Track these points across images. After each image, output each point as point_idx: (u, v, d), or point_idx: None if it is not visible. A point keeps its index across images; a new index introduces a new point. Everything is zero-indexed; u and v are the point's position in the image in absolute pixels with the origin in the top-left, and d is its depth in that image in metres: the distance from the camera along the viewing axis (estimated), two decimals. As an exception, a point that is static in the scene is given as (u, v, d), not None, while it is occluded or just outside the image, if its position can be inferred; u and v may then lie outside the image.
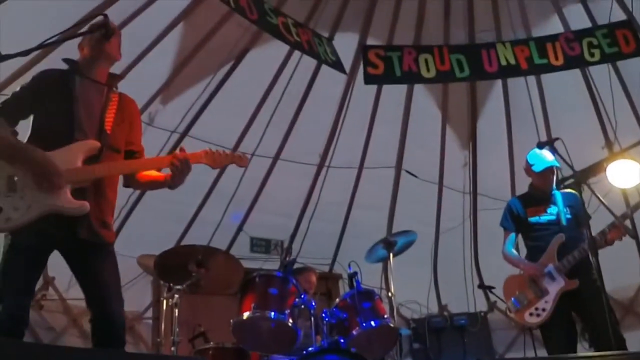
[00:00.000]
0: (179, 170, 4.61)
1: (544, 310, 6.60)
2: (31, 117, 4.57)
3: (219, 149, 4.91)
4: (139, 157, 4.89)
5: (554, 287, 6.59)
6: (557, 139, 6.21)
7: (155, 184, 4.91)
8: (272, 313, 5.62)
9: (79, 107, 4.59)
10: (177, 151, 4.77)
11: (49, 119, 4.53)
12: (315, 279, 8.11)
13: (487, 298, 11.23)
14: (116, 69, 5.05)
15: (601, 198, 5.79)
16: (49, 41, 4.35)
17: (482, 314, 10.55)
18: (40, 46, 4.37)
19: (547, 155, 6.89)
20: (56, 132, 4.48)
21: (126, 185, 4.90)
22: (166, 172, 4.79)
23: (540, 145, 6.34)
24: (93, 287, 4.44)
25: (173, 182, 4.71)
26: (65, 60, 4.88)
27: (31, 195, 4.26)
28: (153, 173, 4.86)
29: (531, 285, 6.73)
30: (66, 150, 4.41)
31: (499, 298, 8.05)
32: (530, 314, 6.68)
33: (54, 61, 5.28)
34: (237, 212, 11.16)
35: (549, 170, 6.96)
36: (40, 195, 4.26)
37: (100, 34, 4.76)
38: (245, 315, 5.67)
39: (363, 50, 9.84)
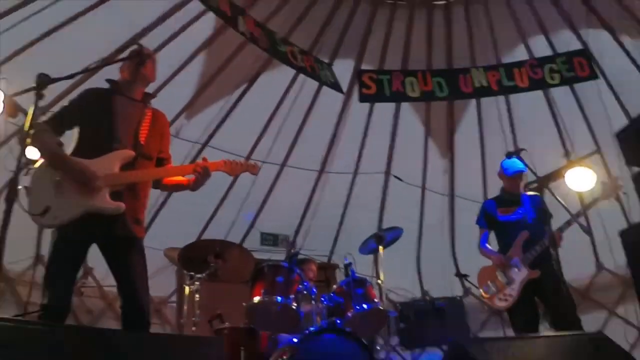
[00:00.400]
0: (201, 176, 4.68)
1: (510, 295, 6.56)
2: (76, 129, 4.56)
3: (236, 159, 4.95)
4: (167, 163, 4.89)
5: (519, 276, 6.56)
6: (522, 149, 6.21)
7: (179, 187, 4.94)
8: (279, 298, 5.63)
9: (118, 121, 4.58)
10: (200, 160, 4.79)
11: (92, 131, 4.52)
12: (316, 269, 8.02)
13: (463, 285, 11.14)
14: (150, 88, 5.05)
15: (560, 199, 5.79)
16: (92, 66, 4.35)
17: (459, 298, 10.49)
18: (84, 71, 4.36)
19: (517, 163, 6.74)
20: (97, 142, 4.47)
21: (155, 187, 4.88)
22: (189, 176, 4.82)
23: (509, 155, 6.31)
24: (124, 277, 4.43)
25: (195, 186, 4.78)
26: (108, 81, 4.88)
27: (75, 197, 4.26)
28: (178, 177, 4.88)
29: (500, 274, 6.71)
30: (105, 158, 4.41)
31: (472, 284, 8.10)
32: (499, 299, 6.66)
33: (96, 83, 5.27)
34: (248, 212, 11.14)
35: (518, 175, 6.91)
36: (82, 198, 4.27)
37: (137, 60, 4.78)
38: (256, 299, 5.69)
39: (358, 74, 9.90)
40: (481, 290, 6.93)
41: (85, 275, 9.57)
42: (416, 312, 9.72)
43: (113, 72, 5.00)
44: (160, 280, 9.51)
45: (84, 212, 4.26)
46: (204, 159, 4.77)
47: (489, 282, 6.83)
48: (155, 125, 4.81)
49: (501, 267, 6.72)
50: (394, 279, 9.17)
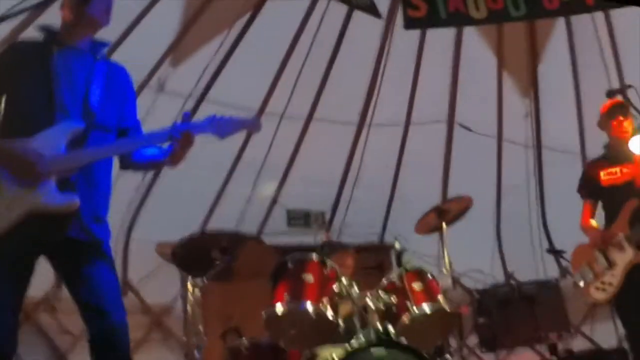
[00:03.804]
0: (180, 145, 4.45)
1: (610, 284, 6.50)
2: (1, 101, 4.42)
3: (238, 114, 4.79)
4: (135, 133, 4.74)
5: (623, 259, 6.45)
6: (629, 86, 6.09)
7: (154, 164, 4.84)
8: (309, 303, 5.50)
9: (59, 82, 4.40)
10: (178, 121, 4.58)
11: (24, 101, 4.38)
12: (352, 261, 7.75)
13: (559, 264, 11.09)
14: (115, 30, 4.90)
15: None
16: (15, 9, 4.20)
17: (554, 281, 10.38)
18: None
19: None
20: (33, 115, 4.33)
21: (123, 167, 4.75)
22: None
23: (611, 94, 6.19)
24: (87, 297, 4.30)
25: (173, 158, 4.58)
26: (42, 29, 4.69)
27: (11, 195, 4.14)
28: (151, 150, 4.70)
29: (599, 256, 6.63)
30: (46, 135, 4.24)
31: (570, 263, 7.97)
32: (597, 288, 6.62)
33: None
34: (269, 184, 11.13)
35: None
36: (20, 193, 4.13)
37: None
38: (278, 307, 5.56)
39: None
40: (575, 278, 6.93)
41: (57, 284, 9.33)
42: (499, 301, 9.66)
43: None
44: (159, 283, 9.71)
45: (25, 213, 4.10)
46: (184, 118, 4.58)
47: (583, 267, 6.79)
48: (111, 84, 4.64)
49: (600, 246, 6.64)
50: (468, 258, 9.16)
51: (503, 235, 12.18)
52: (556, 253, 9.59)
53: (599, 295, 6.60)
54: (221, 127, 4.54)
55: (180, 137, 4.42)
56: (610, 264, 6.51)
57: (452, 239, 7.98)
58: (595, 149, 7.67)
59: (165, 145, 4.60)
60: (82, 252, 4.31)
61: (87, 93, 4.48)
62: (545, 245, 11.07)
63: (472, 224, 8.67)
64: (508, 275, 11.72)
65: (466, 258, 9.23)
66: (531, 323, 9.31)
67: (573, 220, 7.10)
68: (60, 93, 4.38)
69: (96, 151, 4.42)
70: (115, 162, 4.76)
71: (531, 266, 10.84)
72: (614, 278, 6.47)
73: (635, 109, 6.15)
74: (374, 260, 10.75)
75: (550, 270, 10.88)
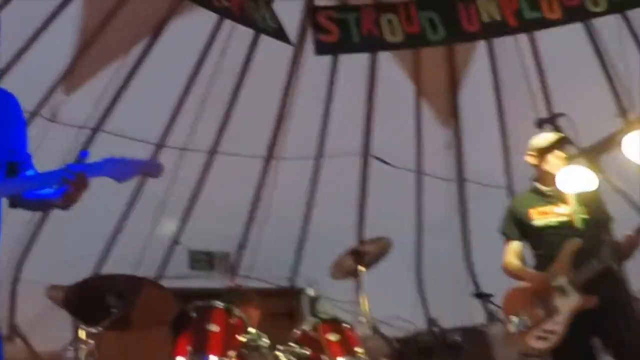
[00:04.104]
0: (74, 187, 4.21)
1: (552, 332, 6.36)
2: None
3: (127, 156, 4.61)
4: (25, 169, 4.55)
5: (567, 305, 6.34)
6: (561, 114, 6.05)
7: (46, 204, 4.62)
8: (214, 357, 5.52)
9: None
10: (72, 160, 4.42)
11: None
12: (258, 314, 7.60)
13: (485, 308, 11.12)
14: (4, 54, 4.78)
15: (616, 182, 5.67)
16: None
17: (481, 327, 10.44)
18: None
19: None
20: None
21: (12, 206, 4.52)
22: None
23: (540, 123, 6.23)
24: None
25: (66, 201, 4.33)
26: None
27: None
28: (44, 190, 4.48)
29: (538, 301, 6.50)
30: None
31: (499, 307, 7.88)
32: (538, 338, 6.45)
33: None
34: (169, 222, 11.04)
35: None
36: None
37: None
38: None
39: (312, 13, 9.77)
40: (509, 326, 6.72)
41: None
42: (421, 350, 9.67)
43: None
44: (51, 327, 9.44)
45: None
46: (78, 159, 4.37)
47: (520, 313, 6.62)
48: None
49: (539, 290, 6.53)
50: (387, 305, 9.11)
51: (424, 277, 12.14)
52: (483, 297, 9.52)
53: (540, 345, 6.42)
54: (119, 170, 4.36)
55: (75, 179, 4.21)
56: (552, 311, 6.40)
57: (370, 282, 7.86)
58: (522, 182, 7.70)
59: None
60: None
61: None
62: (471, 288, 11.03)
63: (390, 265, 8.50)
64: (431, 322, 11.55)
65: (385, 303, 9.15)
66: None
67: (500, 261, 6.97)
68: None
69: None
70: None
71: (456, 311, 10.75)
72: (557, 326, 6.32)
73: (569, 138, 6.01)
74: (284, 306, 10.74)
75: (476, 315, 10.64)
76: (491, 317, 10.62)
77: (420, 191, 11.90)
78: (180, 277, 10.51)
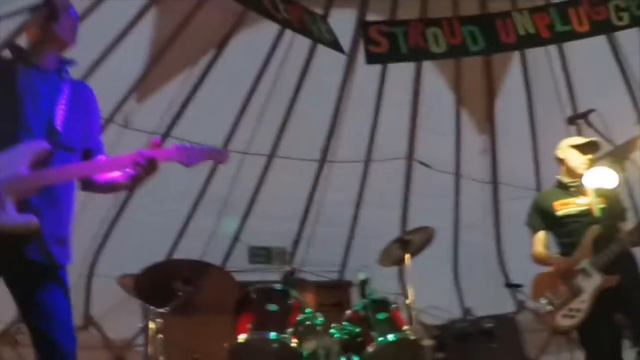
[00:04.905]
0: (144, 170, 4.13)
1: (578, 310, 6.29)
2: None
3: (194, 145, 4.39)
4: (98, 155, 4.44)
5: (590, 285, 6.27)
6: (592, 110, 6.08)
7: (116, 186, 4.45)
8: (273, 333, 5.39)
9: (23, 101, 4.11)
10: (145, 148, 4.23)
11: None
12: (313, 297, 7.59)
13: (515, 298, 10.93)
14: (81, 65, 4.60)
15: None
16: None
17: (511, 315, 10.31)
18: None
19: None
20: None
21: (84, 188, 4.42)
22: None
23: (572, 120, 6.08)
24: (38, 323, 3.98)
25: (134, 182, 4.27)
26: (8, 46, 4.46)
27: None
28: (114, 173, 4.38)
29: (564, 283, 6.43)
30: (7, 155, 3.94)
31: (529, 297, 7.72)
32: (564, 316, 6.39)
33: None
34: (230, 220, 10.90)
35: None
36: None
37: (46, 11, 4.32)
38: (242, 337, 5.45)
39: (363, 27, 9.58)
40: (538, 306, 6.65)
41: (20, 320, 9.16)
42: (457, 336, 9.49)
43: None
44: (122, 318, 9.36)
45: None
46: (153, 144, 4.23)
47: (548, 294, 6.55)
48: (76, 104, 4.33)
49: (565, 273, 6.45)
50: (426, 295, 8.96)
51: (460, 270, 11.98)
52: (513, 287, 9.33)
53: (567, 322, 6.37)
54: (189, 155, 4.26)
55: (145, 162, 4.12)
56: (577, 291, 6.32)
57: (412, 276, 7.70)
58: (550, 184, 7.49)
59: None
60: (38, 276, 4.02)
61: (52, 112, 4.20)
62: (502, 280, 10.93)
63: (429, 260, 8.37)
64: (466, 311, 11.44)
65: (424, 294, 9.03)
66: (489, 357, 9.17)
67: (528, 255, 6.93)
68: (24, 112, 4.10)
69: (58, 172, 4.13)
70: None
71: (489, 301, 10.58)
72: (583, 304, 6.27)
73: (599, 133, 6.05)
74: (333, 298, 10.57)
75: (507, 304, 10.72)
76: (520, 305, 10.52)
77: (458, 192, 11.75)
78: (241, 270, 10.33)
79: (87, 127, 4.42)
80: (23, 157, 3.96)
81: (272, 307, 5.59)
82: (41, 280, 4.00)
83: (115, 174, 4.37)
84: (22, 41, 4.50)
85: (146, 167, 4.12)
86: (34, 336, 4.00)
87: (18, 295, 4.04)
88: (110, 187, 4.50)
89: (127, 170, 4.26)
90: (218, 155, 4.50)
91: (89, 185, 4.43)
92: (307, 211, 11.40)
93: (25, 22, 4.54)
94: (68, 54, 4.48)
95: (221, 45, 9.91)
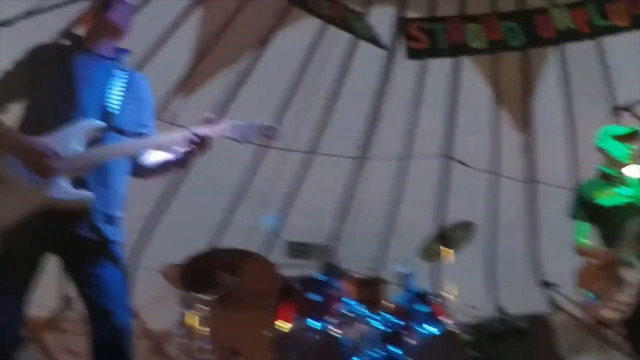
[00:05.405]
0: (198, 148, 4.17)
1: (626, 304, 6.06)
2: (23, 101, 4.21)
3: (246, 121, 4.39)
4: None
5: (636, 277, 6.06)
6: (638, 101, 5.83)
7: (166, 166, 4.45)
8: (316, 323, 5.42)
9: (80, 86, 4.17)
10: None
11: (45, 101, 4.14)
12: (353, 288, 7.62)
13: (550, 298, 10.78)
14: (129, 61, 4.61)
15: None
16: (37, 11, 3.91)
17: (546, 315, 10.09)
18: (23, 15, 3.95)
19: (621, 128, 6.52)
20: (52, 117, 4.06)
21: (135, 174, 4.43)
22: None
23: (618, 110, 5.99)
24: (93, 296, 4.00)
25: (187, 160, 4.29)
26: (67, 35, 4.56)
27: (23, 187, 3.88)
28: (164, 155, 4.40)
29: (609, 276, 6.22)
30: (63, 133, 3.99)
31: (564, 296, 8.00)
32: (610, 309, 6.16)
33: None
34: (271, 216, 10.83)
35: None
36: (33, 187, 3.86)
37: (101, 2, 4.43)
38: (285, 326, 5.55)
39: (403, 23, 9.58)
40: (583, 299, 6.45)
41: (66, 306, 8.99)
42: (492, 335, 9.22)
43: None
44: (162, 308, 9.27)
45: (37, 208, 3.83)
46: (206, 121, 4.26)
47: (594, 287, 6.34)
48: (130, 91, 4.38)
49: (609, 266, 6.25)
50: (460, 293, 8.89)
51: (495, 269, 11.75)
52: (550, 287, 9.21)
53: (613, 316, 6.16)
54: (242, 131, 4.29)
55: (199, 140, 4.17)
56: (623, 284, 6.14)
57: (445, 274, 7.91)
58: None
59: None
60: (90, 251, 4.03)
61: (107, 98, 4.26)
62: (537, 279, 10.69)
63: (464, 258, 8.34)
64: (500, 310, 11.24)
65: (459, 293, 8.98)
66: (524, 356, 8.99)
67: (564, 255, 6.83)
68: (80, 96, 4.16)
69: (113, 149, 4.18)
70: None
71: (523, 300, 10.51)
72: (628, 297, 6.07)
73: None
74: (369, 295, 10.49)
75: (541, 304, 10.42)
76: (555, 305, 10.37)
77: (495, 191, 11.51)
78: (280, 265, 10.30)
79: (140, 114, 4.45)
80: (78, 135, 4.01)
81: (315, 297, 5.48)
82: (93, 255, 4.02)
83: (166, 156, 4.38)
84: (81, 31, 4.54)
85: (200, 145, 4.16)
86: (89, 310, 4.00)
87: (72, 270, 4.06)
88: (161, 169, 4.51)
89: (179, 150, 4.27)
90: (269, 132, 4.44)
91: (139, 169, 4.44)
92: (345, 208, 11.28)
93: (82, 11, 4.51)
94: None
95: (264, 42, 9.91)
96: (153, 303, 9.54)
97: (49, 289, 4.17)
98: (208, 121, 4.25)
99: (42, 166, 3.85)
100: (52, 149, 3.87)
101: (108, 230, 4.05)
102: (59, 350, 9.14)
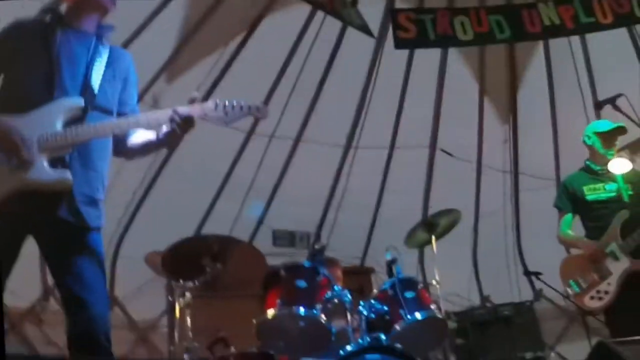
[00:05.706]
0: (180, 128, 4.02)
1: (606, 293, 6.36)
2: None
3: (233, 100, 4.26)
4: None
5: (618, 268, 6.32)
6: (619, 95, 6.07)
7: (149, 146, 4.35)
8: (302, 309, 5.20)
9: (60, 63, 4.05)
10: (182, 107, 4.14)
11: (23, 79, 4.03)
12: (341, 274, 7.71)
13: (533, 286, 10.76)
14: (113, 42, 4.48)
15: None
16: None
17: (529, 303, 10.05)
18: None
19: (606, 123, 6.75)
20: (31, 93, 3.96)
21: (117, 154, 4.33)
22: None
23: (600, 105, 6.06)
24: (69, 285, 3.89)
25: (170, 140, 4.18)
26: (47, 10, 4.39)
27: (0, 170, 3.77)
28: (146, 133, 4.30)
29: (592, 266, 6.48)
30: (42, 112, 3.89)
31: (547, 285, 7.75)
32: (592, 298, 6.45)
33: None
34: (256, 204, 10.79)
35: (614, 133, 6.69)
36: (9, 169, 3.76)
37: None
38: (270, 313, 5.25)
39: (392, 13, 9.52)
40: (566, 288, 6.70)
41: (45, 296, 9.15)
42: (475, 323, 9.46)
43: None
44: (146, 299, 9.46)
45: (14, 190, 3.73)
46: (190, 100, 4.14)
47: (576, 276, 6.59)
48: (113, 68, 4.26)
49: (593, 256, 6.48)
50: (445, 282, 8.89)
51: (479, 258, 11.91)
52: (532, 275, 9.25)
53: (595, 304, 6.45)
54: (227, 112, 4.15)
55: (180, 120, 4.02)
56: (606, 274, 6.38)
57: (431, 262, 7.77)
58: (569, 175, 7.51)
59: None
60: (70, 236, 3.93)
61: (88, 74, 4.13)
62: (520, 268, 10.82)
63: (449, 247, 8.31)
64: (484, 298, 11.46)
65: (443, 281, 8.96)
66: (507, 344, 9.13)
67: (546, 244, 7.23)
68: (61, 73, 4.05)
69: (94, 128, 4.01)
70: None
71: (506, 289, 10.56)
72: (611, 287, 6.34)
73: (628, 117, 6.04)
74: (355, 283, 10.45)
75: (524, 293, 10.46)
76: (537, 294, 10.41)
77: (480, 181, 11.59)
78: (265, 254, 10.27)
79: (123, 92, 4.35)
80: (57, 114, 3.92)
81: (301, 283, 5.38)
82: (72, 243, 3.91)
83: (149, 135, 4.28)
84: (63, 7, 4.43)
85: (182, 125, 4.02)
86: (64, 298, 3.94)
87: (49, 255, 3.98)
88: (143, 149, 4.41)
89: (162, 129, 4.16)
90: (258, 111, 4.36)
91: (122, 149, 4.34)
92: (331, 196, 11.24)
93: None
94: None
95: (252, 27, 9.78)
96: (137, 293, 9.59)
97: (30, 280, 4.05)
98: (193, 100, 4.13)
99: (14, 150, 3.76)
100: (21, 136, 3.77)
101: (88, 213, 3.96)
102: (39, 341, 9.09)
